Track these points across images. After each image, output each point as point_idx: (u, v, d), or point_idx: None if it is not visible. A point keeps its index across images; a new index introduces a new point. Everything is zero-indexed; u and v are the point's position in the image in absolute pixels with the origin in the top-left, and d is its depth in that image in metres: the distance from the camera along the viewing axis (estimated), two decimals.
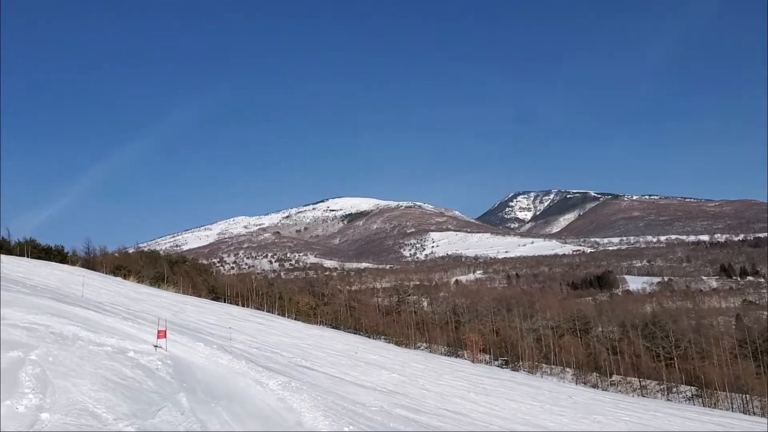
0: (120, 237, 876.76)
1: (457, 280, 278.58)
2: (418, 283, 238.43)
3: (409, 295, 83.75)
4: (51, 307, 20.74)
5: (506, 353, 61.36)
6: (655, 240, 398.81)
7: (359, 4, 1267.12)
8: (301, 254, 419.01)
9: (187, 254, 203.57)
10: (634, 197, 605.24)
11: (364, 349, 41.19)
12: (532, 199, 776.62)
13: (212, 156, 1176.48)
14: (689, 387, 54.42)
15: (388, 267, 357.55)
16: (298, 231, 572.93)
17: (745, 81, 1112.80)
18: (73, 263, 59.38)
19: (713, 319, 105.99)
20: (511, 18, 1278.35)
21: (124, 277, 58.35)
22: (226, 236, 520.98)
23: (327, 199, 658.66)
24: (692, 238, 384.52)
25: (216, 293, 64.02)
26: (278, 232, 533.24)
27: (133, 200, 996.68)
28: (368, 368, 31.87)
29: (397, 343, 56.89)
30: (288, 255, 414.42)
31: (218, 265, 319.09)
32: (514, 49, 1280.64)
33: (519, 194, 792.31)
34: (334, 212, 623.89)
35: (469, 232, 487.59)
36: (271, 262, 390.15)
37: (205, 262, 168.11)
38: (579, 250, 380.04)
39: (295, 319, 57.56)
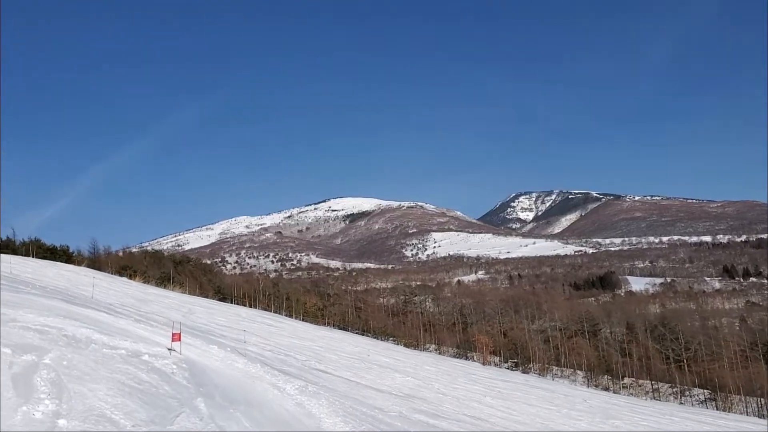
0: (121, 237, 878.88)
1: (459, 281, 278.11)
2: (420, 283, 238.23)
3: (415, 295, 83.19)
4: (62, 308, 20.35)
5: (516, 355, 60.82)
6: (657, 241, 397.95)
7: (360, 5, 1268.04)
8: (302, 254, 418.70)
9: (189, 254, 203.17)
10: (636, 198, 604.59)
11: (376, 351, 40.75)
12: (533, 199, 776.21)
13: (213, 156, 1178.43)
14: (702, 390, 53.74)
15: (390, 267, 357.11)
16: (299, 231, 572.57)
17: (746, 81, 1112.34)
18: (78, 263, 58.92)
19: (717, 320, 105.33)
20: (512, 18, 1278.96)
21: (130, 277, 57.95)
22: (228, 236, 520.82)
23: (329, 199, 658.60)
24: (694, 239, 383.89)
25: (222, 294, 63.58)
26: (280, 232, 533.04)
27: (134, 200, 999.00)
28: (382, 371, 31.45)
29: (406, 345, 56.40)
30: (290, 255, 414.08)
31: (220, 264, 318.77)
32: (516, 49, 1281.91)
33: (521, 195, 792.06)
34: (335, 212, 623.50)
35: (470, 233, 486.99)
36: (272, 262, 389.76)
37: (207, 261, 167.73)
38: (581, 251, 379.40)
39: (303, 320, 57.11)
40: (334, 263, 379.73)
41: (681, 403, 51.00)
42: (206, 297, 57.80)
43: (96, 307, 24.45)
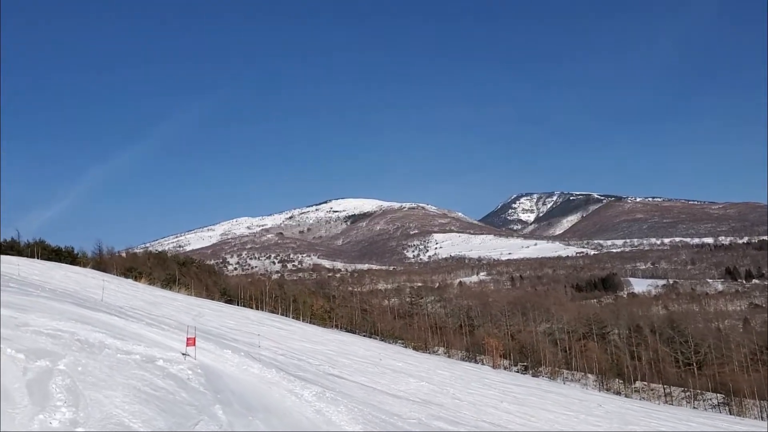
0: (122, 238, 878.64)
1: (461, 282, 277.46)
2: (421, 284, 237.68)
3: (422, 297, 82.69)
4: (74, 312, 19.99)
5: (526, 358, 60.29)
6: (658, 242, 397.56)
7: (360, 5, 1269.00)
8: (304, 255, 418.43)
9: (190, 255, 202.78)
10: (637, 199, 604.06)
11: (387, 355, 40.31)
12: (534, 200, 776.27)
13: (214, 157, 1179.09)
14: (714, 394, 53.13)
15: (391, 268, 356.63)
16: (301, 232, 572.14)
17: (747, 81, 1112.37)
18: (84, 265, 58.46)
19: (720, 322, 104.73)
20: (513, 18, 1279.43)
21: (136, 279, 57.48)
22: (229, 237, 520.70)
23: (330, 200, 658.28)
24: (696, 240, 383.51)
25: (228, 296, 63.12)
26: (281, 233, 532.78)
27: (135, 201, 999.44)
28: (396, 376, 31.04)
29: (415, 348, 55.91)
30: (291, 256, 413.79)
31: (221, 266, 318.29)
32: (516, 49, 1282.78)
33: (522, 196, 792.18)
34: (337, 213, 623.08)
35: (472, 234, 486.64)
36: (274, 263, 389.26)
37: (210, 263, 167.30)
38: (582, 252, 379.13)
39: (311, 322, 56.64)
40: (336, 264, 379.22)
41: (694, 408, 50.46)
42: (213, 299, 57.32)
43: (107, 311, 24.04)
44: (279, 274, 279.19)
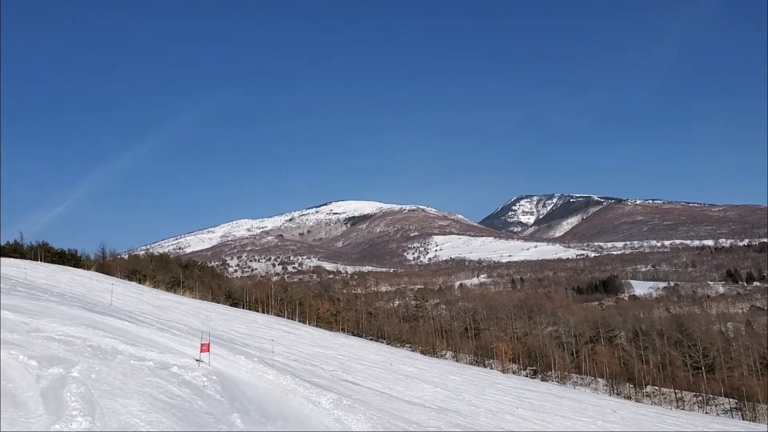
0: (122, 240, 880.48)
1: (461, 284, 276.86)
2: (422, 286, 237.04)
3: (427, 300, 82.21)
4: (84, 317, 19.71)
5: (534, 362, 59.77)
6: (659, 245, 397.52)
7: (361, 7, 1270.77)
8: (304, 257, 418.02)
9: (190, 257, 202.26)
10: (638, 201, 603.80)
11: (396, 359, 39.92)
12: (535, 203, 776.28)
13: (215, 159, 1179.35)
14: (726, 399, 52.52)
15: (392, 271, 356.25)
16: (301, 234, 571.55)
17: (748, 85, 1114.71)
18: (87, 267, 58.01)
19: (722, 325, 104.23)
20: (514, 21, 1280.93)
21: (140, 281, 57.04)
22: (229, 239, 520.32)
23: (330, 202, 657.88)
24: (696, 242, 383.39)
25: (233, 299, 62.64)
26: (281, 235, 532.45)
27: (135, 203, 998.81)
28: (409, 382, 30.68)
29: (423, 352, 55.44)
30: (291, 258, 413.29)
31: (221, 268, 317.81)
32: (517, 51, 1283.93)
33: (522, 198, 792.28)
34: (337, 215, 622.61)
35: (472, 236, 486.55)
36: (274, 265, 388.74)
37: (210, 265, 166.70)
38: (583, 255, 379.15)
39: (317, 326, 56.17)
40: (336, 266, 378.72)
41: (706, 413, 49.97)
42: (218, 302, 56.86)
43: (117, 315, 23.67)
44: (279, 276, 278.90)
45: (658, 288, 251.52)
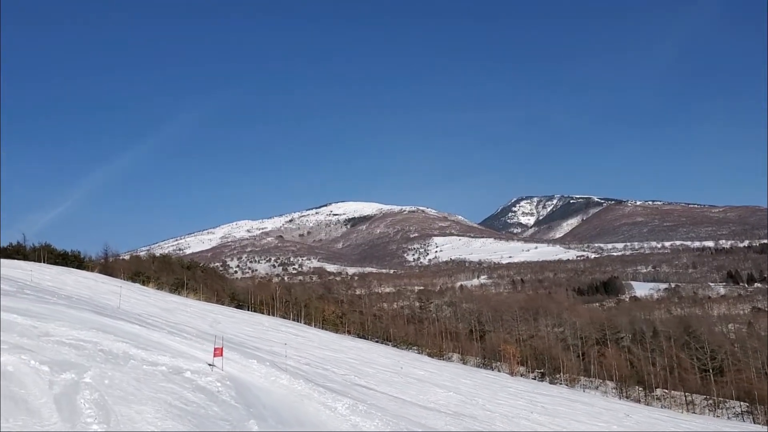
0: (122, 241, 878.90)
1: (461, 285, 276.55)
2: (422, 288, 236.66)
3: (431, 302, 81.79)
4: (94, 321, 19.33)
5: (542, 365, 59.33)
6: (659, 246, 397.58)
7: (361, 7, 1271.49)
8: (304, 258, 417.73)
9: (191, 258, 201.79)
10: (638, 203, 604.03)
11: (405, 362, 39.50)
12: (535, 204, 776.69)
13: (215, 159, 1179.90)
14: (737, 402, 52.03)
15: (392, 272, 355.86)
16: (301, 235, 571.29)
17: (749, 85, 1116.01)
18: (91, 269, 57.56)
19: (724, 326, 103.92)
20: (514, 22, 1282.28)
21: (143, 283, 56.57)
22: (229, 240, 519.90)
23: (330, 203, 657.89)
24: (697, 244, 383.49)
25: (238, 301, 62.24)
26: (281, 236, 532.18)
27: (135, 204, 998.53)
28: (422, 386, 30.29)
29: (430, 355, 55.03)
30: (291, 259, 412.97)
31: (222, 269, 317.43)
32: (517, 52, 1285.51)
33: (522, 199, 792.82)
34: (337, 216, 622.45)
35: (472, 237, 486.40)
36: (274, 266, 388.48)
37: (212, 266, 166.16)
38: (583, 256, 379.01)
39: (323, 328, 55.74)
40: (336, 267, 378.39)
41: (717, 416, 49.51)
42: (223, 304, 56.44)
43: (127, 319, 23.21)
44: (280, 278, 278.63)
45: (659, 289, 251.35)
